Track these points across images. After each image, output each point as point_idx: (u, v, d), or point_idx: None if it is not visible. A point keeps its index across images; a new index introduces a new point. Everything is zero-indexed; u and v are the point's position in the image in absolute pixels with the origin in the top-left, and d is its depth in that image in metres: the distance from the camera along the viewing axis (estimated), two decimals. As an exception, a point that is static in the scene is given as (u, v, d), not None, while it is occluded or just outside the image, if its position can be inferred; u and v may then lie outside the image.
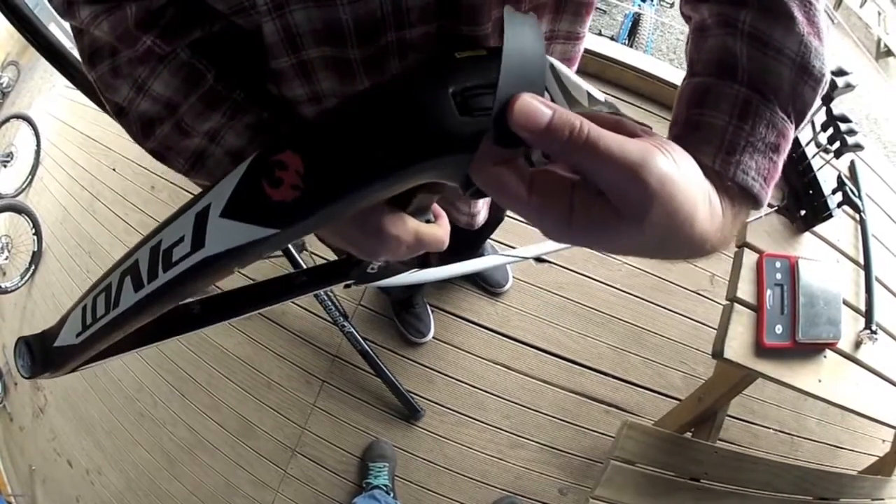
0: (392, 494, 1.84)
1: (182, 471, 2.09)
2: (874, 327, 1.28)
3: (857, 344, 1.29)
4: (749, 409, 1.98)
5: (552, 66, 0.43)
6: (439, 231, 0.51)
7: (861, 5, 5.39)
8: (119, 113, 0.52)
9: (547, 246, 0.93)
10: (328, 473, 1.94)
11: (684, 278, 2.08)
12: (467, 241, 1.81)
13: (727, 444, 1.88)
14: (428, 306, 2.00)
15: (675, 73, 2.28)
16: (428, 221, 0.52)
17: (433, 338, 1.98)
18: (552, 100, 0.39)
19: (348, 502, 1.87)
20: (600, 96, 0.55)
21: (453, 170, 0.36)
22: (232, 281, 0.48)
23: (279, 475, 1.96)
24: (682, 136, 0.42)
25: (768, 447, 1.98)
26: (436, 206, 0.54)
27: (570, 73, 0.48)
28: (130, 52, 0.46)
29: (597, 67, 2.26)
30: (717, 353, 1.16)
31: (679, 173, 0.31)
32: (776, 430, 2.01)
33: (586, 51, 2.36)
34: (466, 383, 1.96)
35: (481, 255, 1.92)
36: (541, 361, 1.98)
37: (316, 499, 1.93)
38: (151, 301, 0.40)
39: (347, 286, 0.65)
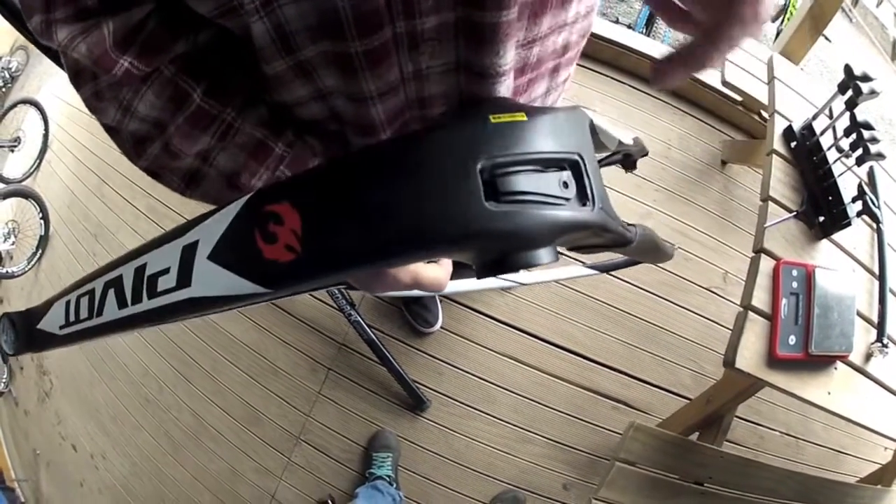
0: (395, 485, 1.84)
1: (186, 456, 2.09)
2: (885, 340, 1.26)
3: (868, 356, 1.28)
4: (756, 411, 1.97)
5: (597, 127, 0.43)
6: (440, 272, 0.49)
7: (877, 5, 5.32)
8: (111, 132, 0.50)
9: (549, 275, 0.93)
10: (332, 462, 1.94)
11: (697, 275, 2.06)
12: None
13: (733, 444, 1.88)
14: (437, 296, 1.99)
15: (692, 66, 2.24)
16: (430, 261, 0.50)
17: (442, 328, 1.97)
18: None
19: (351, 491, 1.87)
20: (628, 140, 0.55)
21: (469, 256, 0.34)
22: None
23: (283, 463, 1.97)
24: None
25: (774, 450, 1.97)
26: None
27: (605, 125, 0.46)
28: (109, 76, 0.44)
29: (613, 56, 2.23)
30: (729, 362, 1.16)
31: None
32: (783, 432, 2.00)
33: (603, 39, 2.31)
34: (475, 375, 1.95)
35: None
36: (552, 356, 1.97)
37: (319, 487, 1.93)
38: (133, 322, 0.40)
39: (343, 290, 0.65)
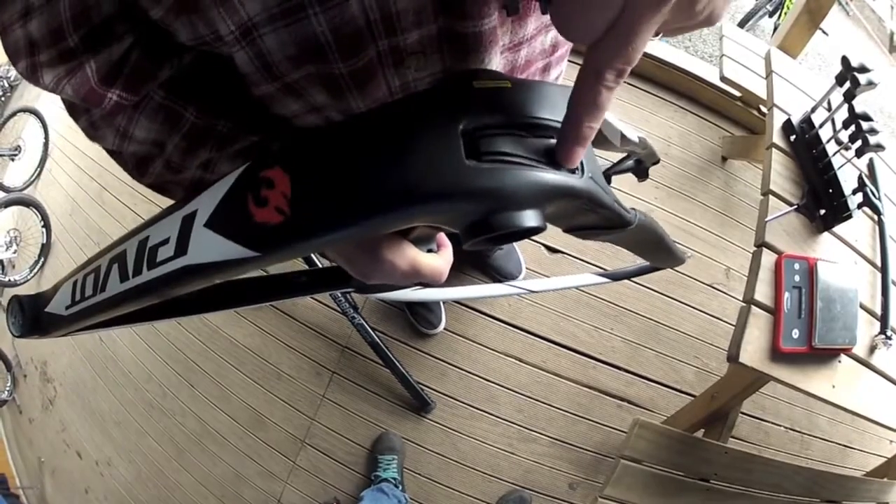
0: (400, 487, 1.84)
1: (191, 461, 2.09)
2: (889, 332, 1.26)
3: (872, 349, 1.27)
4: (761, 406, 1.97)
5: None
6: (439, 262, 0.48)
7: (874, -2, 5.30)
8: (113, 154, 0.52)
9: (559, 283, 0.92)
10: (337, 465, 1.94)
11: (699, 271, 2.06)
12: (480, 252, 1.79)
13: (738, 441, 1.88)
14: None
15: (690, 61, 2.24)
16: (430, 251, 0.49)
17: (445, 329, 1.97)
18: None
19: (356, 494, 1.87)
20: (633, 136, 0.53)
21: (452, 218, 0.33)
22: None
23: (288, 466, 1.97)
24: None
25: (779, 445, 1.97)
26: (441, 236, 0.51)
27: (607, 114, 0.45)
28: (99, 109, 0.45)
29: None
30: (733, 357, 1.15)
31: None
32: (787, 428, 2.00)
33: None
34: (478, 376, 1.95)
35: (500, 249, 1.91)
36: (554, 354, 1.97)
37: (324, 490, 1.93)
38: (134, 295, 0.40)
39: (346, 293, 0.64)
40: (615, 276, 0.92)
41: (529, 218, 0.32)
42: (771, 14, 3.92)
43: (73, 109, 0.49)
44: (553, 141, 0.35)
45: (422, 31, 0.42)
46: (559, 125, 0.35)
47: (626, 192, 2.08)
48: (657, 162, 0.72)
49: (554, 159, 0.34)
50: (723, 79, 1.86)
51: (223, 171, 0.49)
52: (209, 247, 0.35)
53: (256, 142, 0.49)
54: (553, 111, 0.36)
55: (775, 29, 3.80)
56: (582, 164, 0.35)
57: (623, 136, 0.49)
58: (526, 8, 0.47)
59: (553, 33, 0.56)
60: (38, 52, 0.41)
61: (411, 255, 0.45)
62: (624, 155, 0.73)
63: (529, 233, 0.34)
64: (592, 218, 0.41)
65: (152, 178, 0.52)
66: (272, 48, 0.40)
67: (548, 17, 0.52)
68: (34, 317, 0.50)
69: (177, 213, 0.38)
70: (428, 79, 0.47)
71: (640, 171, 0.77)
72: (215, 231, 0.35)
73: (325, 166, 0.33)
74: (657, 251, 0.64)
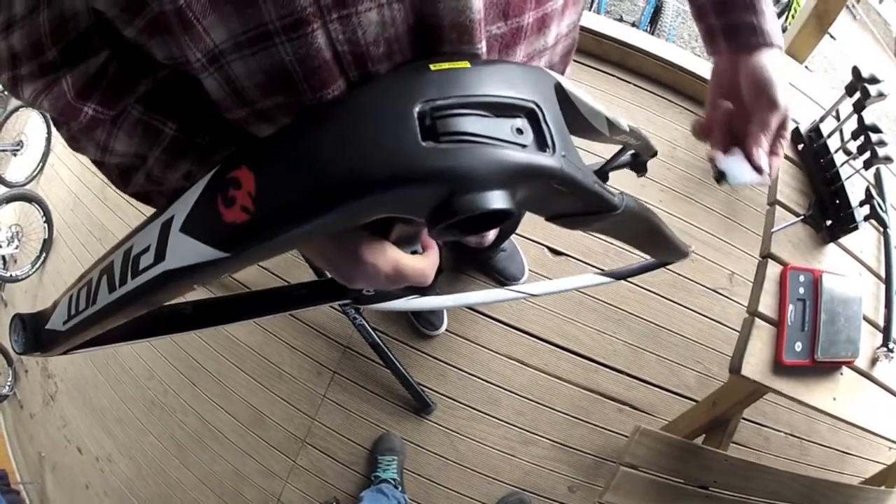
0: (400, 488, 1.84)
1: (191, 459, 2.10)
2: (892, 345, 1.25)
3: (874, 361, 1.26)
4: (761, 412, 1.96)
5: (569, 93, 0.39)
6: (423, 264, 0.47)
7: (880, 1, 5.27)
8: (97, 164, 0.52)
9: (559, 285, 0.90)
10: (337, 465, 1.94)
11: (703, 275, 2.05)
12: (482, 254, 1.77)
13: (738, 446, 1.87)
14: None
15: (697, 62, 2.22)
16: (415, 252, 0.49)
17: (446, 331, 1.97)
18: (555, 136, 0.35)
19: (356, 494, 1.87)
20: (623, 123, 0.51)
21: (414, 204, 0.32)
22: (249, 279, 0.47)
23: (288, 465, 1.97)
24: (732, 38, 0.69)
25: (778, 451, 1.97)
26: (426, 237, 0.51)
27: (587, 98, 0.42)
28: (76, 123, 0.45)
29: (618, 55, 2.21)
30: (735, 369, 1.14)
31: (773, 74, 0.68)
32: (787, 433, 1.99)
33: (607, 37, 2.28)
34: (479, 378, 1.95)
35: (503, 251, 1.91)
36: (555, 357, 1.97)
37: (324, 490, 1.93)
38: (121, 305, 0.40)
39: (345, 305, 0.64)
40: (617, 275, 0.90)
41: (495, 199, 0.31)
42: (778, 16, 3.89)
43: (55, 122, 0.49)
44: (521, 121, 0.34)
45: (395, 63, 0.41)
46: (524, 103, 0.34)
47: (632, 196, 2.07)
48: (655, 154, 0.70)
49: (524, 142, 0.33)
50: (729, 83, 1.84)
51: None
52: (184, 251, 0.35)
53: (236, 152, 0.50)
54: (518, 91, 0.34)
55: (783, 31, 3.76)
56: (553, 141, 0.34)
57: (610, 123, 0.47)
58: (515, 35, 0.46)
59: (547, 57, 0.55)
60: (19, 65, 0.41)
61: (393, 256, 0.45)
62: (619, 149, 0.72)
63: (498, 217, 0.32)
64: (572, 202, 0.39)
65: (136, 188, 0.52)
66: (240, 75, 0.40)
67: (541, 42, 0.51)
68: (35, 334, 0.51)
69: (157, 220, 0.38)
70: None
71: (638, 166, 0.75)
72: (189, 235, 0.35)
73: (286, 161, 0.32)
74: (655, 242, 0.61)
